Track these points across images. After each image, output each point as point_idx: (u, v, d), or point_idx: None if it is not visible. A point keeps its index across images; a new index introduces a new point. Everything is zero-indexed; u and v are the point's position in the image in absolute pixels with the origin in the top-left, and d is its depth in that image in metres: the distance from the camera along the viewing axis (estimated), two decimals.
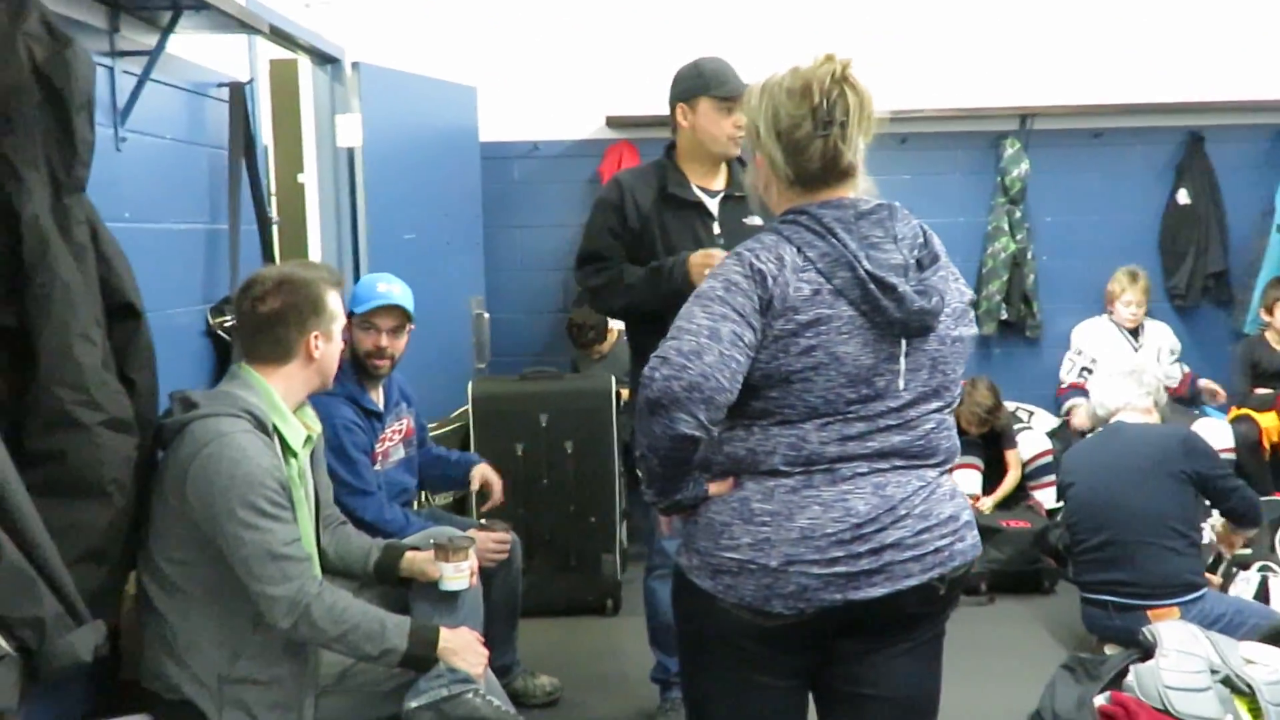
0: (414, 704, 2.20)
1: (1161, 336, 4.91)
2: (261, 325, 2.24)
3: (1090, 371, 4.81)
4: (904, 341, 1.66)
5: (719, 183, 2.89)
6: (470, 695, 2.22)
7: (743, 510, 1.67)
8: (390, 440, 3.06)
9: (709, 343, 1.57)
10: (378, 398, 3.03)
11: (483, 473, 3.25)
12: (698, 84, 2.77)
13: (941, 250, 1.74)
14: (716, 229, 2.82)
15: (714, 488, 1.72)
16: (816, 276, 1.63)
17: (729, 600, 1.66)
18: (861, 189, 1.72)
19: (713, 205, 2.85)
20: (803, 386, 1.63)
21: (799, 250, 1.65)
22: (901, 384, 1.67)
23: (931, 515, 1.68)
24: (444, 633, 2.19)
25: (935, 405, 1.72)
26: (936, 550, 1.68)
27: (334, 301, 2.30)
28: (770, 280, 1.62)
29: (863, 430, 1.66)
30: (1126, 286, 4.84)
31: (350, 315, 2.95)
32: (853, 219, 1.66)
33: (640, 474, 1.72)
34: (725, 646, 1.72)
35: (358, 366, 2.97)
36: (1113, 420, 3.57)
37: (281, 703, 2.14)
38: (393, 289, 3.00)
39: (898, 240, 1.67)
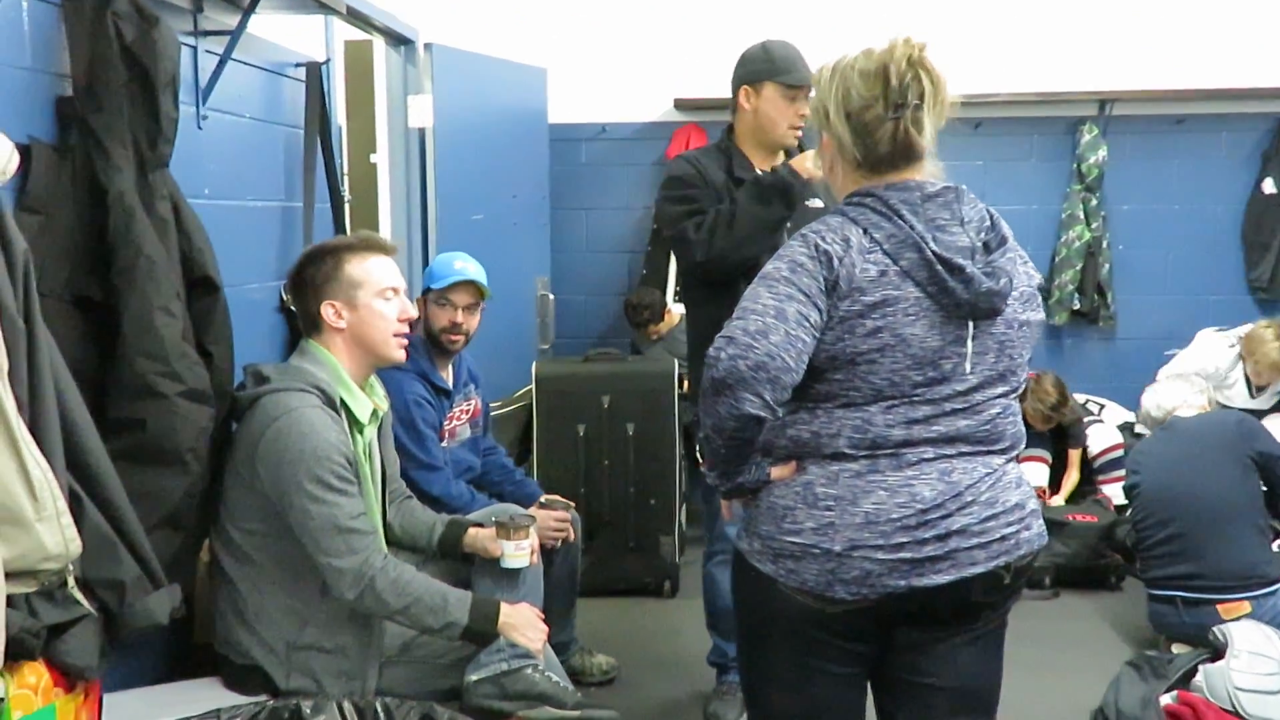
0: (474, 677, 2.24)
1: None
2: (295, 297, 2.33)
3: None
4: (970, 324, 1.65)
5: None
6: (529, 670, 2.25)
7: (806, 494, 1.66)
8: (458, 419, 3.10)
9: (775, 322, 1.56)
10: (448, 375, 3.08)
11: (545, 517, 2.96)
12: (766, 68, 2.72)
13: (1009, 233, 1.72)
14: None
15: (776, 472, 1.71)
16: (883, 258, 1.62)
17: (790, 585, 1.66)
18: (928, 172, 1.70)
19: None
20: (868, 368, 1.62)
21: (865, 232, 1.64)
22: (968, 367, 1.65)
23: (998, 503, 1.67)
24: (504, 608, 2.22)
25: (1001, 390, 1.70)
26: (1003, 538, 1.66)
27: (355, 268, 2.25)
28: (836, 261, 1.61)
29: (928, 414, 1.64)
30: (1269, 359, 4.19)
31: (426, 292, 3.00)
32: (919, 201, 1.65)
33: (702, 456, 1.72)
34: (785, 632, 1.72)
35: (431, 343, 3.02)
36: (1170, 419, 3.51)
37: (346, 671, 2.18)
38: (468, 266, 3.04)
39: (964, 223, 1.66)
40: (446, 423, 3.04)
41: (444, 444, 3.03)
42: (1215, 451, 3.31)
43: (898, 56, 1.62)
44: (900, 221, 1.62)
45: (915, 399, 1.64)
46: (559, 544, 2.95)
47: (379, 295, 2.27)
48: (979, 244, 1.65)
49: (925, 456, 1.64)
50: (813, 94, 1.75)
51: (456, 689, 2.27)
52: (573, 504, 3.10)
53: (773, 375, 1.55)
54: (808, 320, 1.59)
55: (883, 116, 1.63)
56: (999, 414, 1.70)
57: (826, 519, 1.64)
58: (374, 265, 2.27)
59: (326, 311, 2.25)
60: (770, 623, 1.74)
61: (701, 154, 2.88)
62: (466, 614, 2.15)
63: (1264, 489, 3.32)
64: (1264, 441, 3.33)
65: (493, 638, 2.20)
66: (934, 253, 1.60)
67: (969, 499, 1.64)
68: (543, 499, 3.11)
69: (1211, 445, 3.33)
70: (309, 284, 2.27)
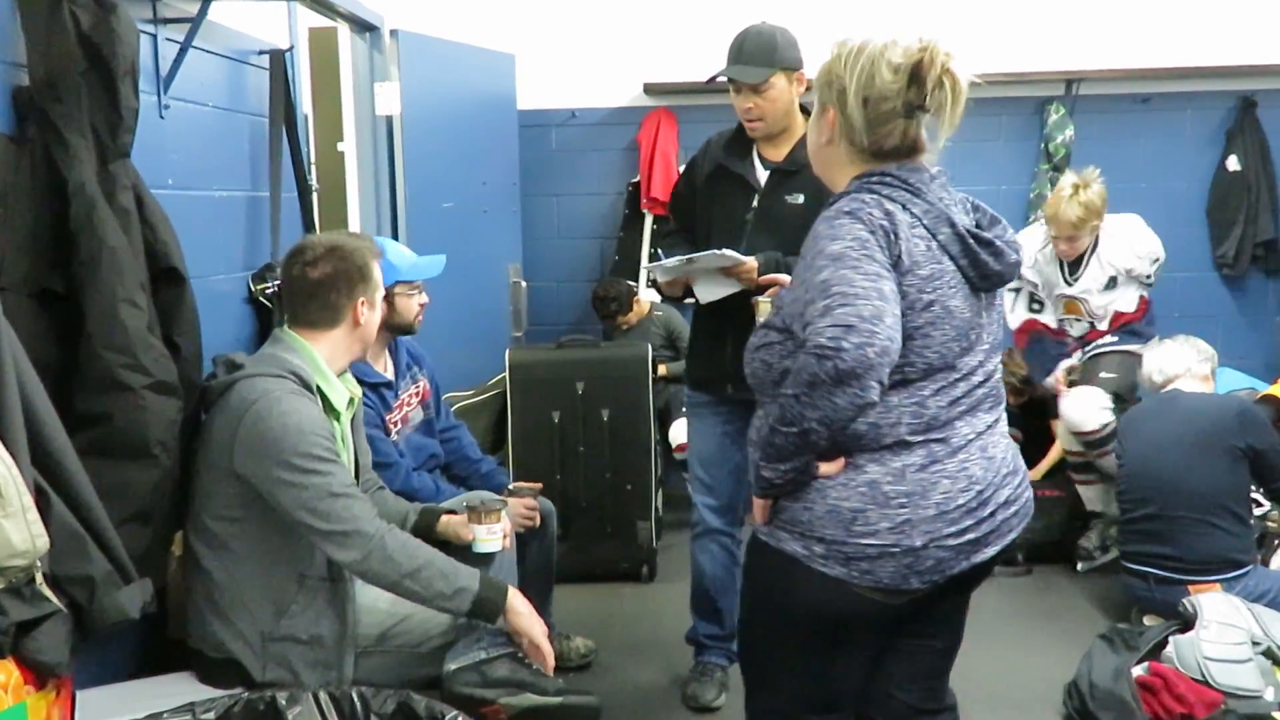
0: (453, 666, 2.22)
1: (1114, 255, 3.89)
2: (313, 290, 2.27)
3: (1040, 307, 4.12)
4: (982, 295, 1.72)
5: (780, 154, 2.80)
6: (509, 658, 2.24)
7: (874, 495, 1.65)
8: (408, 404, 3.04)
9: (882, 304, 1.54)
10: (385, 367, 2.99)
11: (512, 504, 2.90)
12: None
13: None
14: (755, 203, 2.78)
15: (825, 468, 1.69)
16: (925, 232, 1.66)
17: (863, 584, 1.67)
18: (926, 160, 1.76)
19: (764, 178, 2.80)
20: (922, 343, 1.65)
21: (903, 207, 1.66)
22: (985, 336, 1.73)
23: (1018, 469, 1.78)
24: (513, 591, 2.19)
25: (997, 355, 1.79)
26: (1026, 500, 1.78)
27: (376, 271, 2.36)
28: (894, 237, 1.62)
29: (964, 389, 1.70)
30: (1056, 209, 3.79)
31: (391, 287, 2.94)
32: (928, 181, 1.70)
33: (780, 448, 1.64)
34: (848, 629, 1.75)
35: (385, 331, 2.96)
36: (1169, 388, 3.48)
37: (323, 661, 2.17)
38: (414, 255, 3.03)
39: (957, 204, 1.74)
40: (396, 410, 2.99)
41: (395, 436, 2.96)
42: (1208, 440, 3.25)
43: (937, 61, 1.64)
44: (928, 198, 1.66)
45: (954, 372, 1.68)
46: (532, 529, 2.94)
47: (383, 296, 2.40)
48: (971, 222, 1.74)
49: (968, 437, 1.69)
50: (827, 68, 1.74)
51: (434, 678, 2.26)
52: (540, 487, 3.07)
53: (892, 358, 1.54)
54: (897, 297, 1.59)
55: (897, 112, 1.67)
56: (998, 378, 1.79)
57: (902, 516, 1.64)
58: (379, 269, 2.38)
59: (361, 308, 2.28)
60: (837, 623, 1.74)
61: (721, 136, 2.93)
62: (477, 582, 2.12)
63: (1255, 476, 3.29)
64: (1260, 436, 3.25)
65: (497, 613, 2.15)
66: (965, 228, 1.67)
67: (1005, 470, 1.73)
68: (510, 486, 3.09)
69: (1206, 432, 3.26)
70: (342, 278, 2.26)
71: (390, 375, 3.01)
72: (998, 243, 1.70)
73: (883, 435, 1.65)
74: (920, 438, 1.66)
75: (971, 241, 1.67)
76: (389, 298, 2.94)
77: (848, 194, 1.69)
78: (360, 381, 2.85)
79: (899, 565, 1.65)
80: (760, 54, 2.67)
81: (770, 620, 1.81)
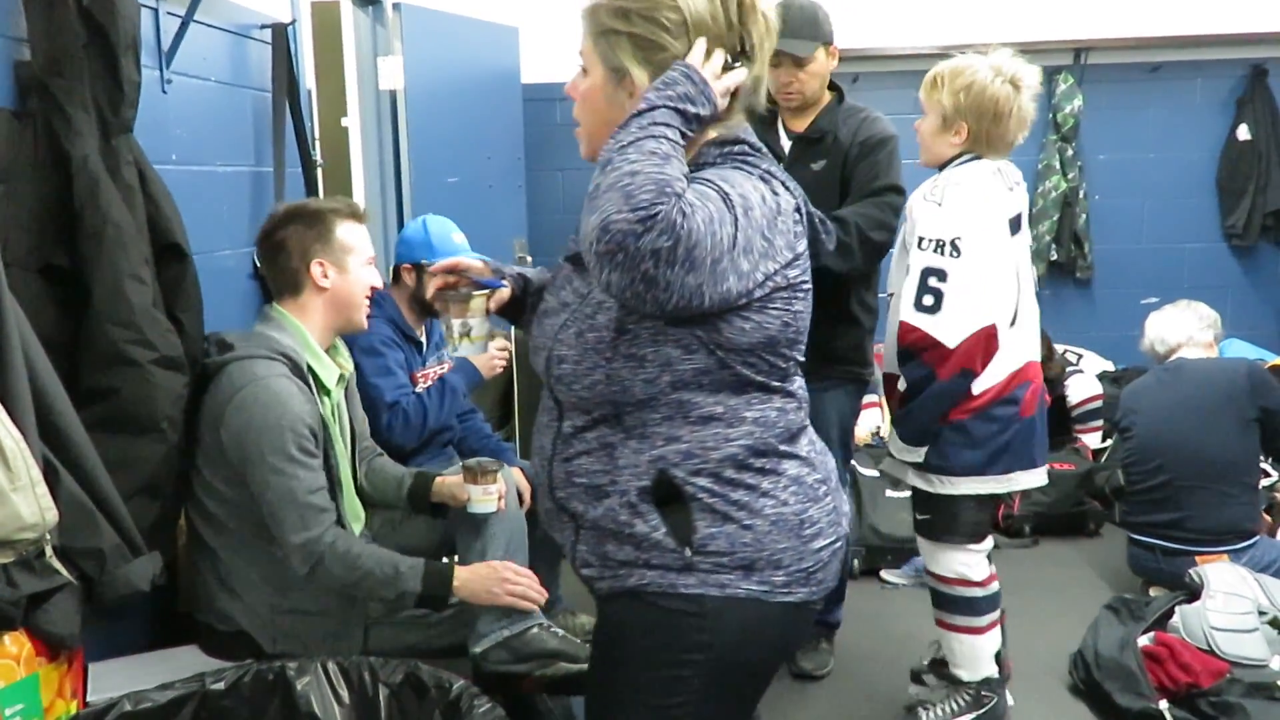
0: (478, 649, 2.20)
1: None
2: (270, 256, 2.28)
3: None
4: None
5: (803, 124, 2.81)
6: (536, 629, 2.23)
7: (803, 491, 1.43)
8: (431, 380, 3.08)
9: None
10: (421, 332, 3.08)
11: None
12: None
13: None
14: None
15: None
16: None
17: (817, 600, 1.45)
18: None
19: (787, 146, 2.79)
20: (802, 330, 1.46)
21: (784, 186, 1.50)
22: None
23: None
24: (459, 572, 2.17)
25: None
26: None
27: (346, 232, 2.28)
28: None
29: None
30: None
31: (425, 263, 2.95)
32: None
33: None
34: (776, 664, 1.52)
35: (420, 308, 3.01)
36: (1173, 357, 3.46)
37: (334, 632, 2.18)
38: (463, 239, 3.06)
39: None
40: (421, 378, 3.03)
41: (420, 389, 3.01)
42: (1220, 404, 3.24)
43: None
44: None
45: None
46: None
47: (368, 263, 2.33)
48: None
49: None
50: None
51: (452, 647, 2.25)
52: (510, 345, 3.07)
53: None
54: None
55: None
56: None
57: (831, 505, 1.47)
58: (361, 233, 2.33)
59: (315, 270, 2.25)
60: (777, 661, 1.51)
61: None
62: (419, 582, 2.12)
63: (1264, 440, 3.27)
64: (1270, 396, 3.24)
65: (444, 605, 2.16)
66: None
67: None
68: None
69: (1217, 396, 3.25)
70: (293, 242, 2.25)
71: (422, 339, 3.07)
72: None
73: (790, 424, 1.44)
74: (805, 422, 1.48)
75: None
76: (418, 273, 2.97)
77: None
78: (397, 328, 2.92)
79: (838, 562, 1.46)
80: (805, 27, 2.64)
81: (700, 691, 1.41)
